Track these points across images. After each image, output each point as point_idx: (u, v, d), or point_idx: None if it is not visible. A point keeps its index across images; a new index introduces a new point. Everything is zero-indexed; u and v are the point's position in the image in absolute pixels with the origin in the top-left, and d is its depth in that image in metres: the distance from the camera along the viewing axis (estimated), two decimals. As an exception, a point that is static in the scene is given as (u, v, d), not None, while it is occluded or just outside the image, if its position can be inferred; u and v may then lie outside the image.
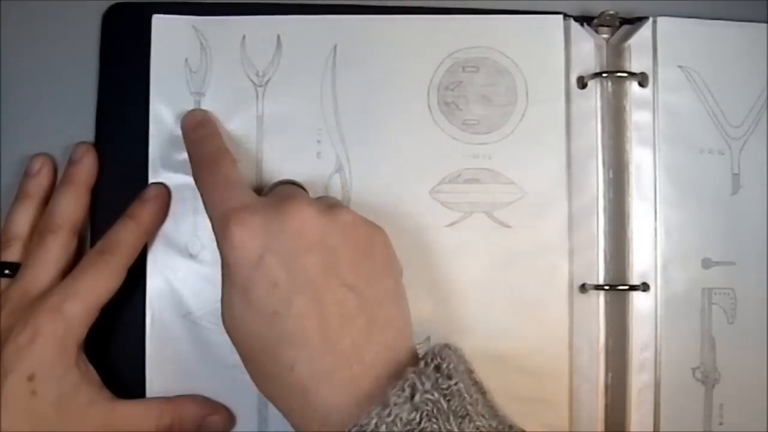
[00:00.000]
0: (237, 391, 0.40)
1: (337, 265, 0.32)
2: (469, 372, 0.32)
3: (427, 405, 0.29)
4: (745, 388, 0.41)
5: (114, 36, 0.42)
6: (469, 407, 0.30)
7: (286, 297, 0.31)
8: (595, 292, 0.41)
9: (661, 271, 0.41)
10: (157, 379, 0.40)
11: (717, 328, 0.42)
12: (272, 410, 0.40)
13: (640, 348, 0.41)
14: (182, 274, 0.40)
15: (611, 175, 0.42)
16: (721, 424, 0.41)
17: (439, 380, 0.30)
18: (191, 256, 0.40)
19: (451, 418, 0.29)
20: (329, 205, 0.34)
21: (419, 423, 0.29)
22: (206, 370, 0.40)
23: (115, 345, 0.40)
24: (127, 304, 0.40)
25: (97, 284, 0.37)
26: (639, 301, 0.41)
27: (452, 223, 0.41)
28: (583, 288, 0.41)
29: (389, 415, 0.29)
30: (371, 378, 0.31)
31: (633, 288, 0.41)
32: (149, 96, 0.41)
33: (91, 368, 0.38)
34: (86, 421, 0.36)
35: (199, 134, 0.39)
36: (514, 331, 0.41)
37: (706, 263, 0.42)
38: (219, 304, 0.40)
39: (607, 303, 0.42)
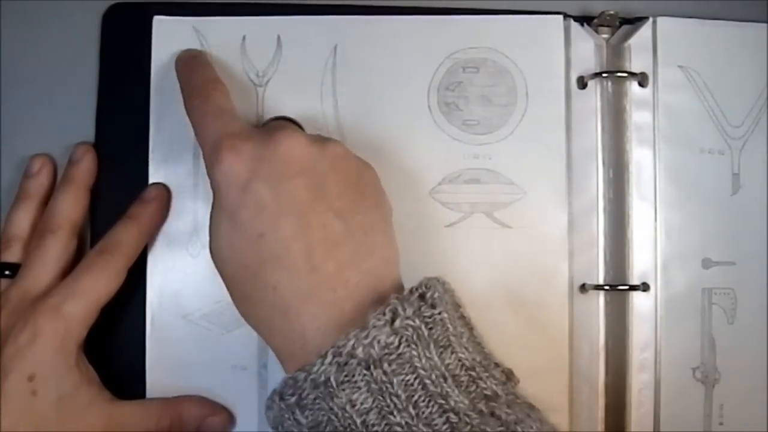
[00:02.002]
0: (237, 392, 0.40)
1: (325, 192, 0.33)
2: (456, 306, 0.32)
3: (407, 330, 0.29)
4: (745, 388, 0.41)
5: (114, 36, 0.42)
6: (452, 338, 0.30)
7: (272, 219, 0.32)
8: (595, 292, 0.41)
9: (661, 271, 0.41)
10: (157, 379, 0.40)
11: (717, 328, 0.42)
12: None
13: (640, 348, 0.41)
14: (182, 275, 0.40)
15: (611, 175, 0.42)
16: (721, 424, 0.41)
17: (422, 308, 0.30)
18: (191, 257, 0.40)
19: (432, 346, 0.29)
20: (321, 138, 0.35)
21: (397, 347, 0.29)
22: (206, 370, 0.40)
23: (115, 346, 0.40)
24: (127, 304, 0.40)
25: (98, 284, 0.37)
26: (639, 301, 0.41)
27: (452, 224, 0.41)
28: (583, 288, 0.41)
29: (367, 337, 0.29)
30: (354, 303, 0.31)
31: (633, 288, 0.41)
32: (149, 96, 0.41)
33: (91, 369, 0.38)
34: (86, 421, 0.36)
35: (192, 64, 0.39)
36: (514, 331, 0.41)
37: (706, 263, 0.42)
38: (219, 305, 0.41)
39: (607, 303, 0.42)
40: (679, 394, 0.41)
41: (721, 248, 0.42)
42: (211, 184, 0.33)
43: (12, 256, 0.39)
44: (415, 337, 0.29)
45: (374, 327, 0.29)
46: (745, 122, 0.42)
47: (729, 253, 0.42)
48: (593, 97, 0.42)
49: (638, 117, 0.42)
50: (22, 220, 0.40)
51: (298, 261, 0.31)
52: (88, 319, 0.37)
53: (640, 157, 0.42)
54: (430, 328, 0.30)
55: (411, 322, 0.29)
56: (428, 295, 0.30)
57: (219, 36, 0.41)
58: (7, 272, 0.39)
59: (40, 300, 0.36)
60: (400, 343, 0.29)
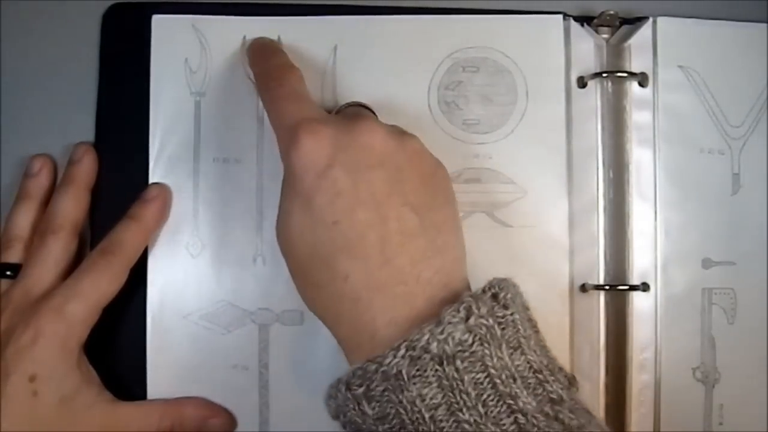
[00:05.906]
0: (238, 393, 0.40)
1: (402, 186, 0.32)
2: (525, 308, 0.32)
3: (480, 329, 0.29)
4: (745, 388, 0.41)
5: (114, 36, 0.42)
6: (522, 340, 0.30)
7: (349, 207, 0.31)
8: (595, 292, 0.41)
9: (661, 271, 0.41)
10: (158, 380, 0.40)
11: (717, 328, 0.42)
12: (273, 412, 0.40)
13: (640, 348, 0.41)
14: (183, 275, 0.40)
15: (611, 175, 0.42)
16: (721, 424, 0.41)
17: (495, 308, 0.30)
18: (192, 257, 0.40)
19: (504, 346, 0.29)
20: (399, 131, 0.34)
21: (471, 345, 0.29)
22: (207, 371, 0.40)
23: (115, 346, 0.40)
24: (128, 305, 0.40)
25: (99, 285, 0.37)
26: (639, 301, 0.41)
27: (453, 223, 0.41)
28: (584, 288, 0.41)
29: (442, 333, 0.28)
30: (425, 298, 0.31)
31: (633, 288, 0.41)
32: (149, 96, 0.41)
33: (92, 369, 0.38)
34: (87, 422, 0.36)
35: (265, 50, 0.39)
36: (515, 331, 0.41)
37: (706, 263, 0.42)
38: (220, 305, 0.40)
39: (607, 303, 0.42)
40: (679, 394, 0.41)
41: (721, 248, 0.42)
42: (286, 167, 0.33)
43: (13, 256, 0.39)
44: (488, 336, 0.29)
45: (449, 323, 0.29)
46: (745, 122, 0.42)
47: (729, 253, 0.42)
48: (593, 96, 0.42)
49: (638, 117, 0.42)
50: (23, 221, 0.40)
51: (372, 252, 0.31)
52: (89, 320, 0.37)
53: (640, 157, 0.42)
54: (503, 328, 0.29)
55: (485, 321, 0.29)
56: (501, 295, 0.30)
57: (219, 35, 0.41)
58: (8, 273, 0.39)
59: (42, 300, 0.36)
60: (473, 341, 0.29)
